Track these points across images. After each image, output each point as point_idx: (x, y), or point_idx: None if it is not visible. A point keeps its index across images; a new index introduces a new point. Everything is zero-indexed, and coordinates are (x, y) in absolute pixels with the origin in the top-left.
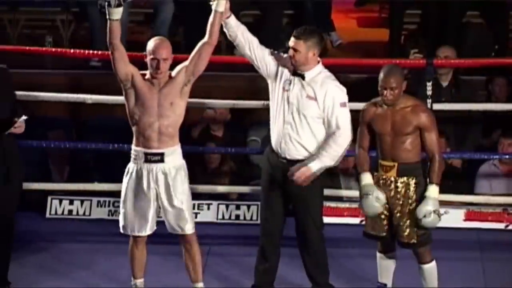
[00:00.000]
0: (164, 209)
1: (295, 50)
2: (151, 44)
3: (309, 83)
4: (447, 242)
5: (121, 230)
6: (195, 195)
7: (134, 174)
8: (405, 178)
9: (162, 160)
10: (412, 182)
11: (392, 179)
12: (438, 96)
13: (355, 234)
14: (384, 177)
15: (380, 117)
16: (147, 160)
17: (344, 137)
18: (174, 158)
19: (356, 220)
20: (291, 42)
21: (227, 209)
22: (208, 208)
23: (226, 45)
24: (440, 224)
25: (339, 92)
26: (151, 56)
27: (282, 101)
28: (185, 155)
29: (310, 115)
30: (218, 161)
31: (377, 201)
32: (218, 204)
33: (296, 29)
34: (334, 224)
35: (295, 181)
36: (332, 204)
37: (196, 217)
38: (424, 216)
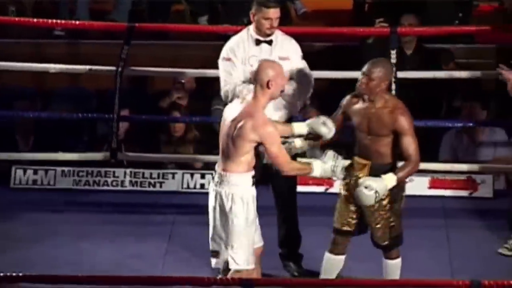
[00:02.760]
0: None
1: (277, 18)
2: (270, 70)
3: (275, 45)
4: (411, 209)
5: (246, 266)
6: (160, 164)
7: (252, 201)
8: None
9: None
10: None
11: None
12: (402, 64)
13: (320, 203)
14: (356, 175)
15: (358, 112)
16: (253, 183)
17: (312, 79)
18: None
19: (321, 189)
20: (274, 12)
21: (192, 178)
22: (173, 177)
23: (190, 13)
24: (405, 192)
25: (298, 47)
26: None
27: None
28: (150, 124)
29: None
30: (183, 130)
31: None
32: (183, 173)
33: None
34: (299, 192)
35: None
36: None
37: (160, 186)
38: (365, 187)
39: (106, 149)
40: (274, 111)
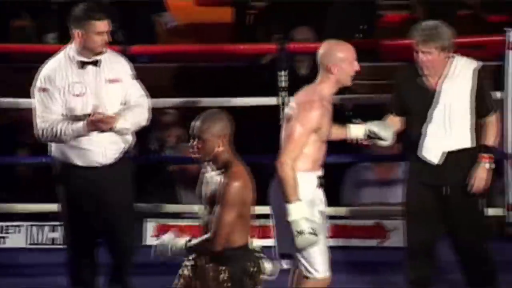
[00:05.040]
0: None
1: (108, 31)
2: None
3: (104, 67)
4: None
5: (320, 274)
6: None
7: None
8: None
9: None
10: None
11: None
12: (296, 88)
13: None
14: None
15: None
16: (320, 185)
17: (147, 101)
18: None
19: None
20: (107, 24)
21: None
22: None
23: (35, 30)
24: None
25: (129, 65)
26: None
27: (76, 106)
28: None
29: (117, 101)
30: None
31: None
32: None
33: None
34: None
35: None
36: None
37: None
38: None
39: None
40: (109, 144)
